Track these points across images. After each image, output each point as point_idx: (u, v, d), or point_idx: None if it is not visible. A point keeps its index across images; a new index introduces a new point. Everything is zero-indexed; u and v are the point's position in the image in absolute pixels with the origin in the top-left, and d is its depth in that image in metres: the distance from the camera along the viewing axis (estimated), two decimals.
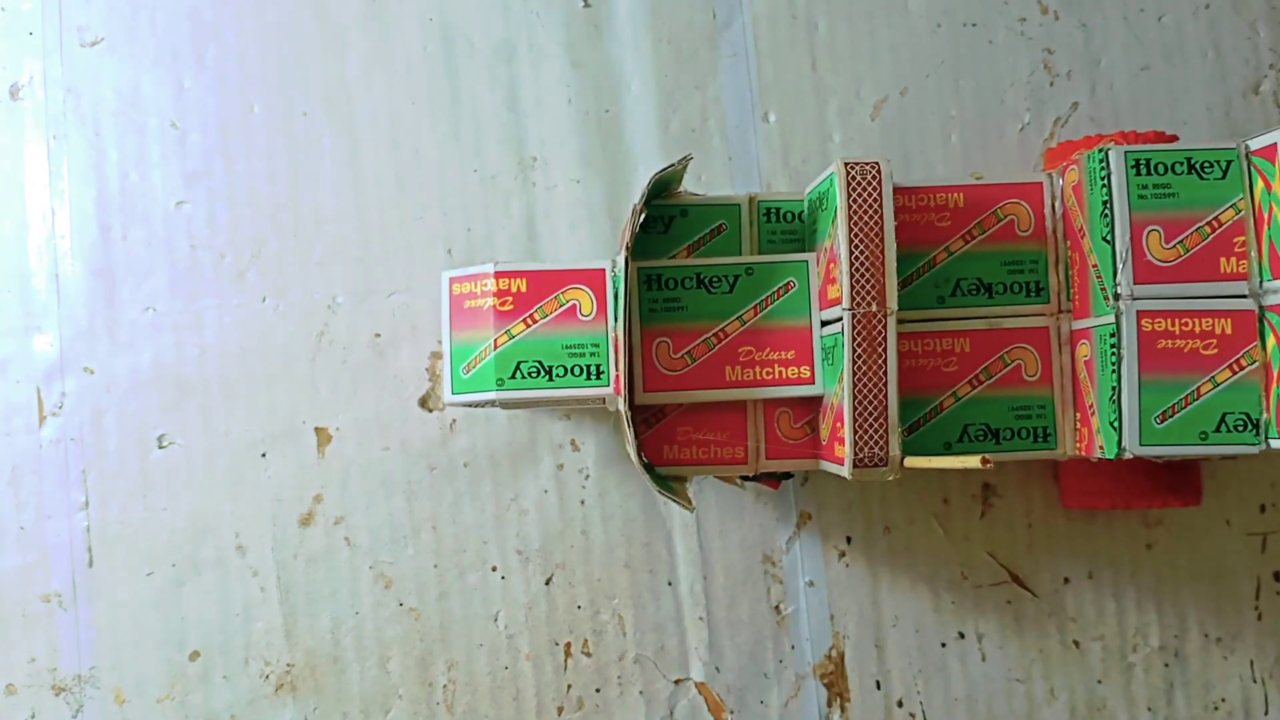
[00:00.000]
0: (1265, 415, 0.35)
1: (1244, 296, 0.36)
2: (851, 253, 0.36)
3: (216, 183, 0.47)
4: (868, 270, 0.36)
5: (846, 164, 0.36)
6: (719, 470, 0.40)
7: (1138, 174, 0.37)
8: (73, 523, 0.46)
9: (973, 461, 0.32)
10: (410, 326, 0.47)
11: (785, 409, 0.40)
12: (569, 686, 0.46)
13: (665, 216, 0.41)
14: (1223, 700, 0.46)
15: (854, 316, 0.36)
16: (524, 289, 0.39)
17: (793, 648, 0.46)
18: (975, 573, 0.46)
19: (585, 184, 0.48)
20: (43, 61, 0.48)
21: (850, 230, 0.36)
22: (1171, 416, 0.36)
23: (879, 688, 0.46)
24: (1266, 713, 0.46)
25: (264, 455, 0.46)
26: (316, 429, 0.46)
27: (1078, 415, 0.39)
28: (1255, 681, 0.46)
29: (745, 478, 0.41)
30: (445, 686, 0.45)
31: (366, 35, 0.48)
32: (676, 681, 0.46)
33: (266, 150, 0.48)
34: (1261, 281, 0.36)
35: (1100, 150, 0.37)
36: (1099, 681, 0.46)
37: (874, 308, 0.36)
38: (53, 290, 0.47)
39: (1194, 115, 0.48)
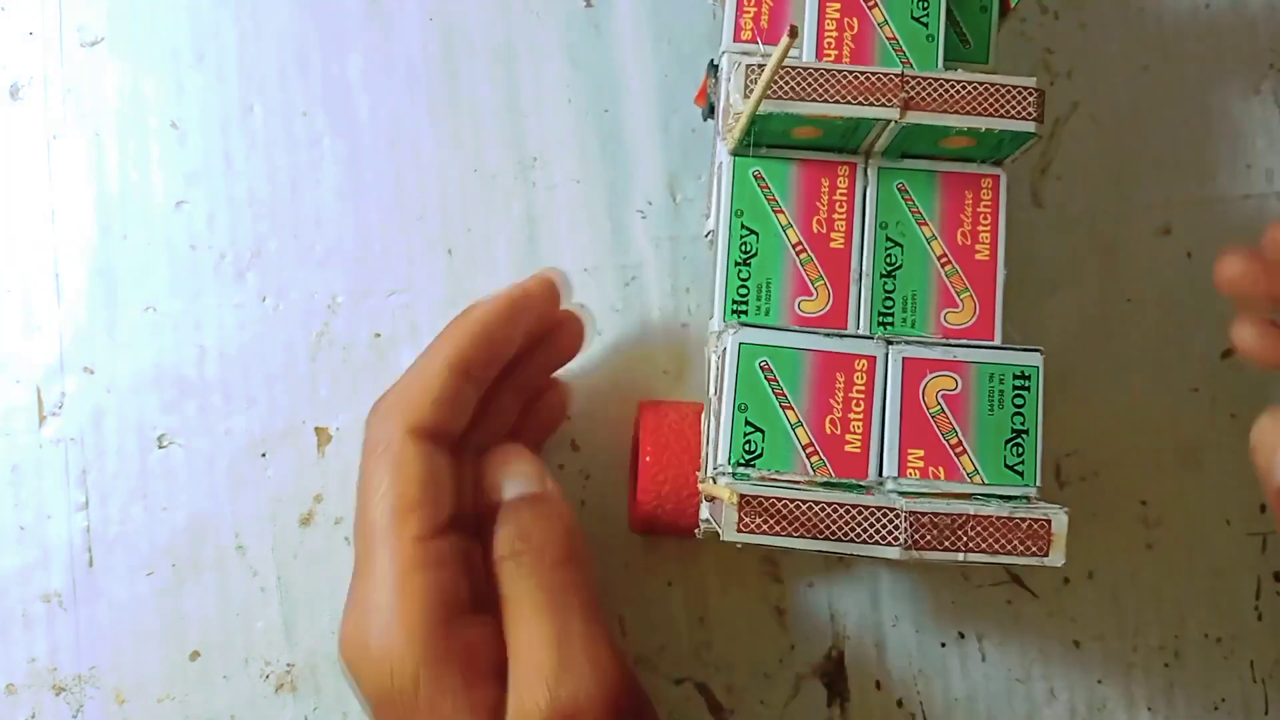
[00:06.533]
0: None
1: None
2: None
3: (216, 183, 0.47)
4: None
5: None
6: None
7: None
8: (73, 523, 0.46)
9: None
10: (410, 326, 0.47)
11: None
12: None
13: None
14: (1223, 700, 0.46)
15: None
16: None
17: (793, 648, 0.46)
18: (975, 573, 0.46)
19: (585, 184, 0.48)
20: (43, 61, 0.48)
21: None
22: None
23: (879, 688, 0.46)
24: (1266, 712, 0.46)
25: (264, 455, 0.46)
26: (316, 429, 0.46)
27: None
28: (1255, 681, 0.46)
29: None
30: None
31: (366, 35, 0.48)
32: (677, 681, 0.46)
33: (266, 150, 0.48)
34: None
35: None
36: (1099, 681, 0.46)
37: None
38: (53, 290, 0.47)
39: (1194, 115, 0.48)
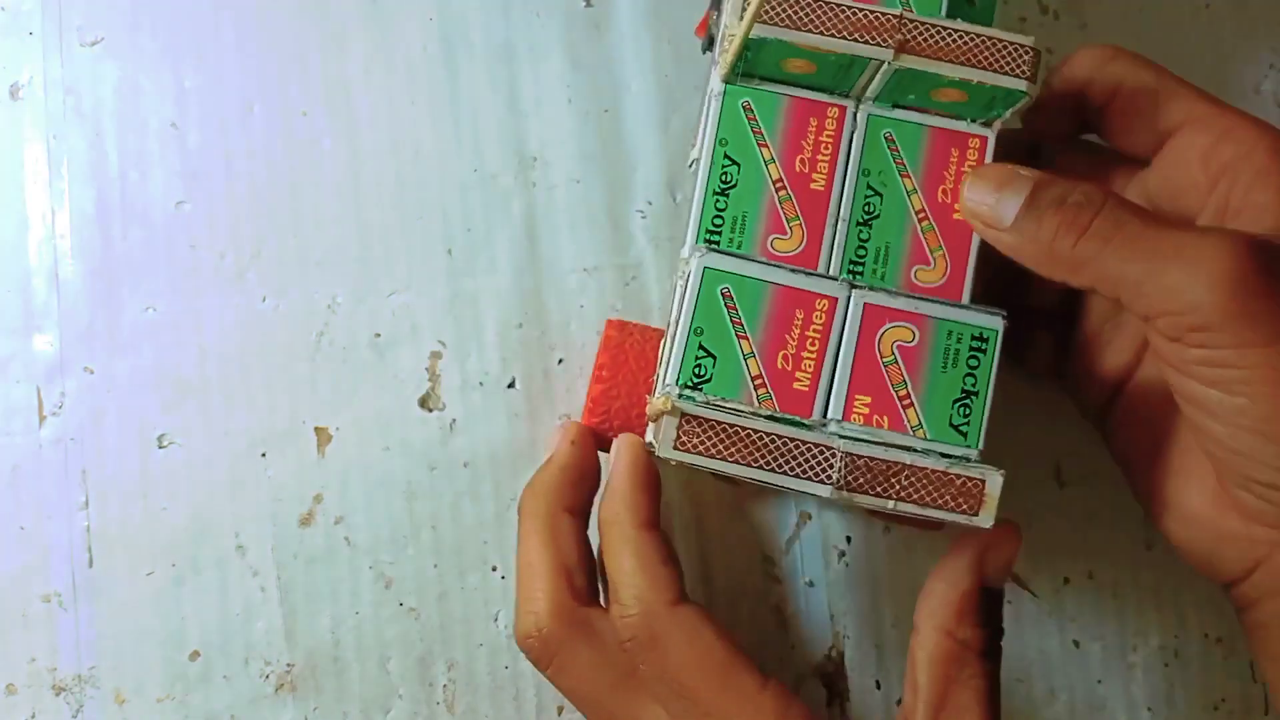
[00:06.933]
0: None
1: None
2: None
3: (216, 183, 0.47)
4: None
5: None
6: None
7: None
8: (73, 523, 0.46)
9: None
10: (410, 326, 0.47)
11: None
12: None
13: None
14: (1223, 700, 0.46)
15: None
16: None
17: (793, 648, 0.46)
18: None
19: (585, 184, 0.48)
20: (43, 61, 0.48)
21: None
22: None
23: (879, 688, 0.46)
24: (1266, 713, 0.46)
25: (264, 455, 0.46)
26: (316, 429, 0.46)
27: None
28: (1255, 681, 0.47)
29: None
30: (445, 686, 0.45)
31: (366, 35, 0.48)
32: None
33: (266, 150, 0.48)
34: None
35: None
36: (1099, 681, 0.46)
37: None
38: (53, 290, 0.47)
39: None
